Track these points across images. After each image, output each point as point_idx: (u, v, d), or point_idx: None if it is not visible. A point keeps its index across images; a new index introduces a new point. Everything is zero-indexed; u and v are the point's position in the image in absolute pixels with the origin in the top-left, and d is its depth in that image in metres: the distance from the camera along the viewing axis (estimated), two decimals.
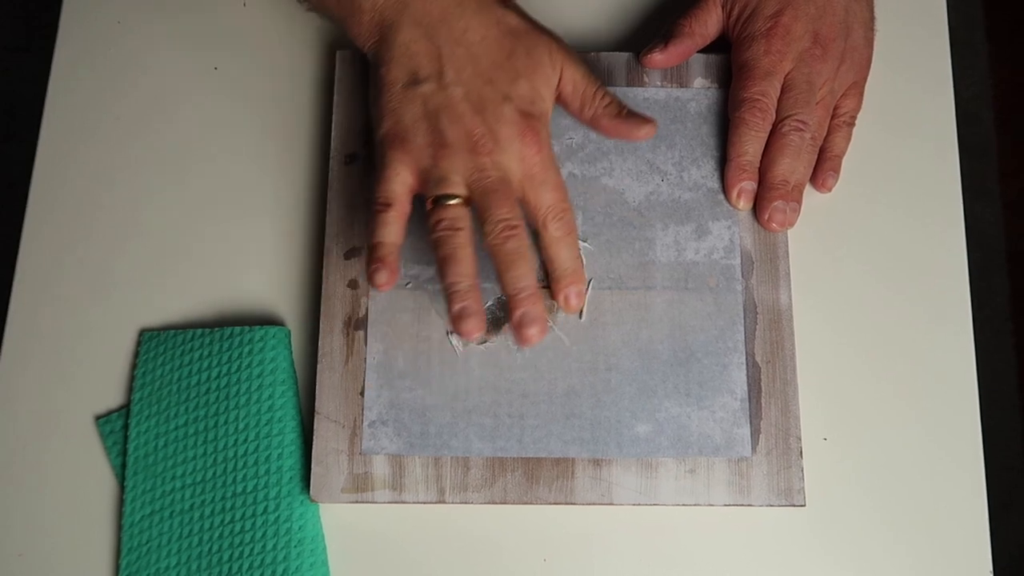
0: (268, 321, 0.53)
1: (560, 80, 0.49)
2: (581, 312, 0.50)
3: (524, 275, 0.45)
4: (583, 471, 0.48)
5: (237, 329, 0.51)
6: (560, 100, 0.49)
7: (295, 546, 0.48)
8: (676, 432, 0.49)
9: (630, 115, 0.49)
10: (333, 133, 0.53)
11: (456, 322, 0.45)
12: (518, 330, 0.45)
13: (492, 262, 0.46)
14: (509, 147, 0.46)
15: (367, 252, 0.46)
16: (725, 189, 0.52)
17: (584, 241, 0.51)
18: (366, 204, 0.51)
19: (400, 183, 0.46)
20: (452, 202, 0.45)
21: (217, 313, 0.53)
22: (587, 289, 0.50)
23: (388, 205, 0.46)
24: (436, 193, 0.45)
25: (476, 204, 0.46)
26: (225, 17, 0.58)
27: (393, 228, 0.46)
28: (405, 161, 0.46)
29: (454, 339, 0.50)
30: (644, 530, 0.50)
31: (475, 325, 0.45)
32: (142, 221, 0.55)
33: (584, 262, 0.49)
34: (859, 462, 0.51)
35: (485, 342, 0.50)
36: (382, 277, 0.45)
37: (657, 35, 0.54)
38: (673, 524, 0.49)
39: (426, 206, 0.46)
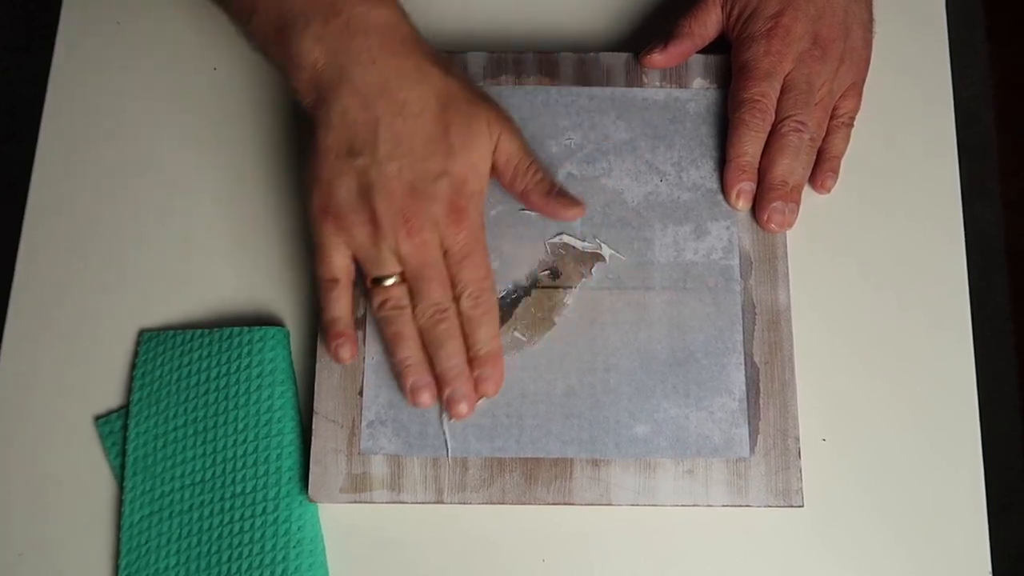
0: (267, 321, 0.53)
1: (496, 151, 0.48)
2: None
3: (452, 354, 0.48)
4: (581, 471, 0.48)
5: (236, 329, 0.51)
6: (494, 171, 0.49)
7: (294, 546, 0.48)
8: (674, 432, 0.49)
9: (560, 194, 0.50)
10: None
11: (412, 395, 0.48)
12: (447, 406, 0.48)
13: (423, 339, 0.48)
14: (436, 226, 0.46)
15: (322, 330, 0.48)
16: (724, 189, 0.52)
17: (596, 239, 0.51)
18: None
19: (340, 258, 0.47)
20: (389, 282, 0.47)
21: (216, 313, 0.53)
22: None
23: (335, 281, 0.48)
24: (375, 274, 0.47)
25: (409, 284, 0.47)
26: (225, 17, 0.58)
27: (343, 302, 0.48)
28: (341, 238, 0.47)
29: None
30: (642, 530, 0.50)
31: (428, 397, 0.48)
32: (142, 221, 0.55)
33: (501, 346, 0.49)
34: (858, 463, 0.51)
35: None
36: (346, 352, 0.48)
37: (657, 35, 0.54)
38: (671, 524, 0.50)
39: (366, 283, 0.48)
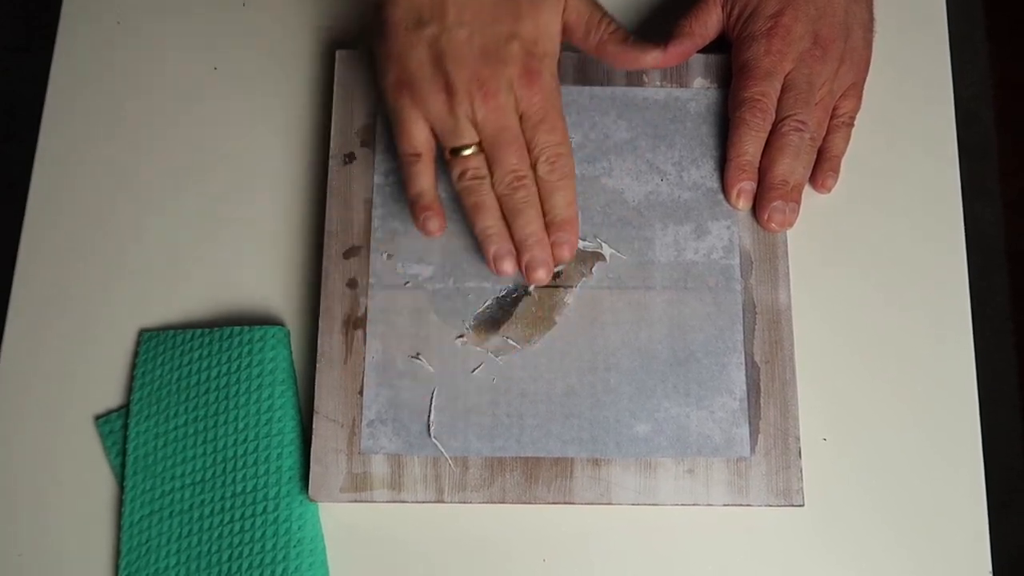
0: (267, 321, 0.53)
1: (565, 10, 0.48)
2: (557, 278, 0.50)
3: (530, 221, 0.48)
4: (582, 471, 0.48)
5: (236, 329, 0.51)
6: (565, 30, 0.49)
7: (294, 546, 0.48)
8: (675, 432, 0.49)
9: (636, 42, 0.49)
10: (332, 133, 0.53)
11: (495, 262, 0.48)
12: (526, 273, 0.49)
13: (502, 207, 0.48)
14: (511, 88, 0.46)
15: (409, 205, 0.49)
16: (725, 189, 0.52)
17: (597, 238, 0.51)
18: (366, 203, 0.52)
19: (420, 131, 0.47)
20: (468, 152, 0.47)
21: (217, 313, 0.53)
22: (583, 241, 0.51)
23: (417, 155, 0.48)
24: (453, 144, 0.47)
25: (487, 151, 0.47)
26: (225, 17, 0.58)
27: (427, 176, 0.48)
28: (418, 110, 0.47)
29: (459, 342, 0.50)
30: (643, 530, 0.50)
31: (510, 265, 0.48)
32: (142, 221, 0.55)
33: (579, 215, 0.50)
34: (858, 462, 0.51)
35: (493, 343, 0.50)
36: (434, 224, 0.49)
37: (657, 35, 0.54)
38: (672, 524, 0.50)
39: (445, 156, 0.48)
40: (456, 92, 0.46)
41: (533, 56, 0.47)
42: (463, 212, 0.49)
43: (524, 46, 0.47)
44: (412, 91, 0.47)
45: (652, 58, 0.49)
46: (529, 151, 0.48)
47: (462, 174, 0.48)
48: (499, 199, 0.48)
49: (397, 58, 0.47)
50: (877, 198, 0.55)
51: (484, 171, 0.48)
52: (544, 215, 0.48)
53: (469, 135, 0.47)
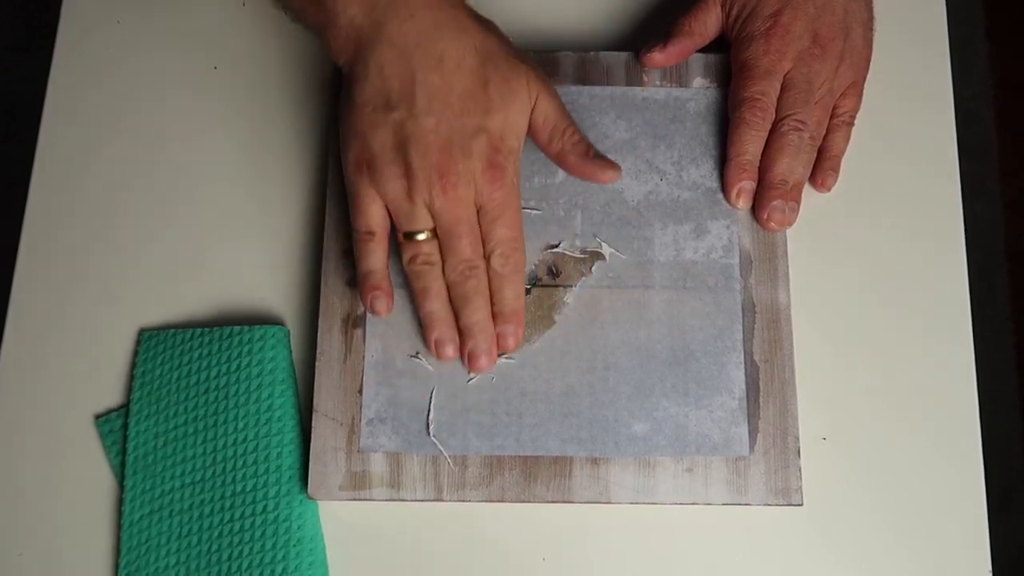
0: (267, 320, 0.53)
1: (533, 111, 0.48)
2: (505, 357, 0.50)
3: (478, 309, 0.48)
4: (581, 470, 0.48)
5: (236, 329, 0.51)
6: (530, 130, 0.49)
7: (294, 545, 0.48)
8: (674, 431, 0.49)
9: (597, 156, 0.50)
10: (332, 132, 0.53)
11: (436, 348, 0.49)
12: (469, 360, 0.49)
13: (450, 294, 0.48)
14: (472, 182, 0.46)
15: (359, 282, 0.49)
16: (724, 188, 0.52)
17: (597, 237, 0.51)
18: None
19: (376, 211, 0.47)
20: (421, 237, 0.47)
21: (216, 313, 0.53)
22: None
23: (371, 234, 0.48)
24: (407, 229, 0.47)
25: (441, 239, 0.47)
26: (225, 17, 0.58)
27: (379, 255, 0.48)
28: (375, 190, 0.47)
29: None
30: (642, 529, 0.50)
31: (452, 350, 0.49)
32: (142, 221, 0.55)
33: (524, 305, 0.50)
34: (857, 462, 0.51)
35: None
36: (382, 304, 0.49)
37: (657, 35, 0.54)
38: (671, 523, 0.50)
39: (399, 237, 0.48)
40: (416, 179, 0.46)
41: (499, 152, 0.47)
42: (410, 294, 0.50)
43: (491, 141, 0.46)
44: (372, 171, 0.46)
45: (609, 176, 0.50)
46: (484, 243, 0.48)
47: (413, 258, 0.48)
48: (449, 285, 0.48)
49: (361, 136, 0.46)
50: (877, 198, 0.55)
51: (436, 257, 0.48)
52: (492, 306, 0.49)
53: (424, 221, 0.47)
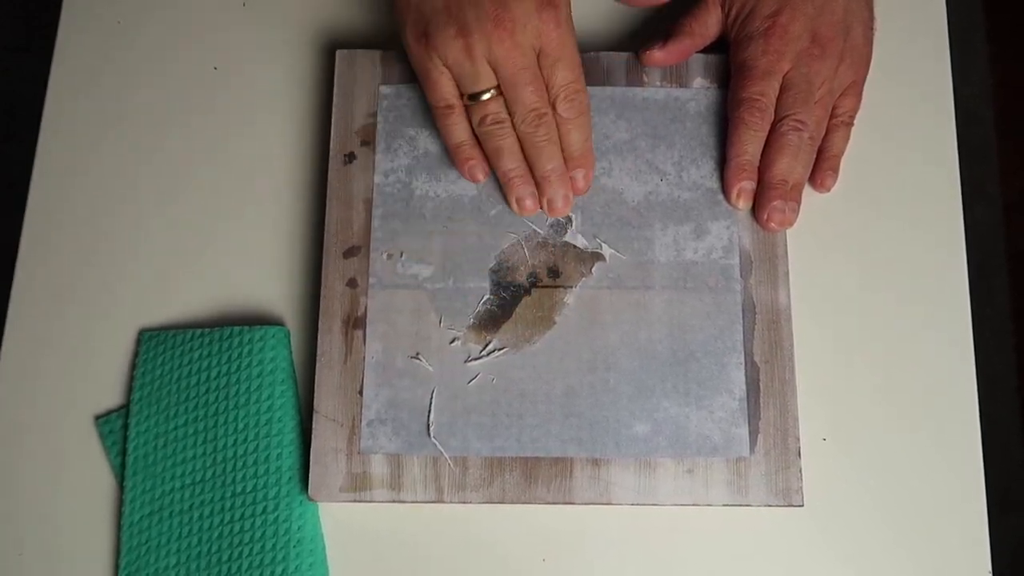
0: (267, 321, 0.53)
1: None
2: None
3: (552, 157, 0.49)
4: (581, 471, 0.48)
5: (236, 329, 0.51)
6: None
7: (294, 546, 0.48)
8: (674, 432, 0.49)
9: None
10: (332, 132, 0.53)
11: (519, 204, 0.50)
12: (549, 208, 0.51)
13: (523, 145, 0.49)
14: (528, 24, 0.46)
15: (451, 155, 0.51)
16: (724, 189, 0.52)
17: (597, 238, 0.51)
18: (366, 202, 0.52)
19: (446, 82, 0.48)
20: (487, 96, 0.48)
21: (217, 313, 0.53)
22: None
23: (450, 107, 0.49)
24: (472, 90, 0.48)
25: (505, 92, 0.48)
26: (225, 17, 0.58)
27: (463, 125, 0.50)
28: (438, 57, 0.47)
29: (458, 344, 0.50)
30: (642, 530, 0.50)
31: (532, 204, 0.50)
32: (142, 221, 0.55)
33: (594, 154, 0.51)
34: (858, 462, 0.51)
35: (488, 344, 0.50)
36: (479, 171, 0.50)
37: (657, 35, 0.54)
38: (671, 524, 0.50)
39: (464, 101, 0.49)
40: (472, 34, 0.46)
41: None
42: (485, 152, 0.50)
43: None
44: (429, 39, 0.47)
45: None
46: (547, 89, 0.48)
47: (483, 119, 0.49)
48: (520, 137, 0.49)
49: (414, 7, 0.47)
50: (877, 198, 0.55)
51: (504, 115, 0.48)
52: (563, 151, 0.50)
53: (487, 79, 0.47)
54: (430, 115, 0.51)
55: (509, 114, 0.48)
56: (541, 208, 0.51)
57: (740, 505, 0.48)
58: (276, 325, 0.52)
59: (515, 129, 0.49)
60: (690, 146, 0.53)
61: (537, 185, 0.50)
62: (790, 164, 0.51)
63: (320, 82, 0.57)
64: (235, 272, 0.54)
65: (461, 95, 0.49)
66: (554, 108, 0.49)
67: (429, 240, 0.51)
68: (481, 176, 0.51)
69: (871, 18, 0.54)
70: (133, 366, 0.52)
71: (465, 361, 0.50)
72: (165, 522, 0.49)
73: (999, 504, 0.56)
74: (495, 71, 0.47)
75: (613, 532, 0.50)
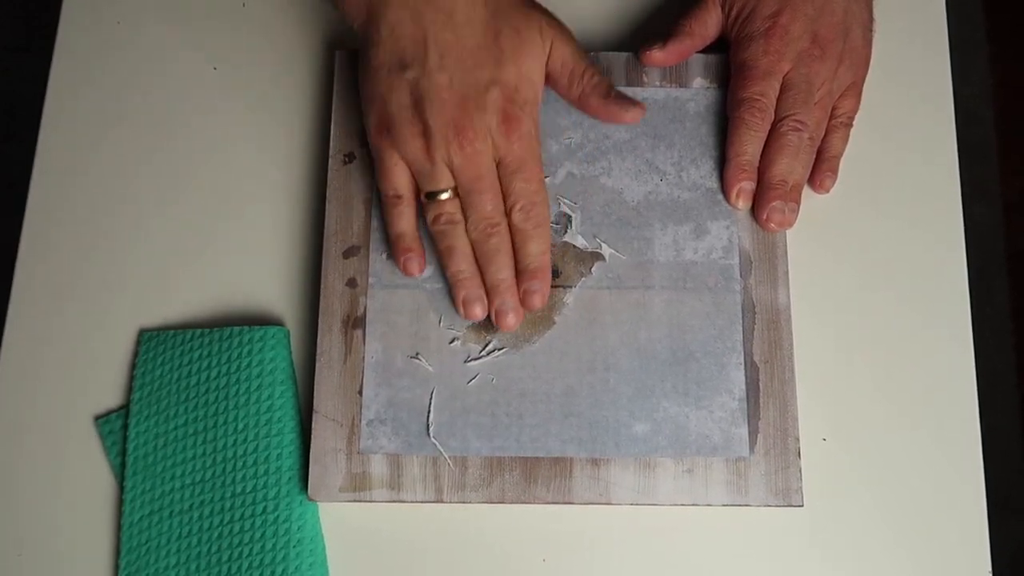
0: (267, 321, 0.53)
1: (549, 58, 0.48)
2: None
3: (501, 268, 0.48)
4: (581, 470, 0.48)
5: (236, 329, 0.51)
6: (548, 78, 0.49)
7: (294, 546, 0.48)
8: (674, 432, 0.49)
9: (619, 97, 0.50)
10: (332, 132, 0.53)
11: (464, 306, 0.49)
12: (496, 318, 0.49)
13: (475, 252, 0.49)
14: (488, 136, 0.47)
15: (391, 245, 0.50)
16: (724, 189, 0.52)
17: (596, 238, 0.51)
18: (366, 202, 0.52)
19: (401, 173, 0.48)
20: (443, 196, 0.48)
21: (216, 313, 0.53)
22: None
23: (399, 197, 0.48)
24: (428, 189, 0.48)
25: (462, 197, 0.48)
26: (225, 17, 0.58)
27: (408, 217, 0.49)
28: (397, 151, 0.47)
29: (457, 344, 0.50)
30: (642, 530, 0.50)
31: (480, 309, 0.49)
32: (142, 221, 0.55)
33: (551, 260, 0.50)
34: (858, 462, 0.51)
35: (488, 344, 0.50)
36: (414, 265, 0.49)
37: (657, 35, 0.54)
38: (671, 524, 0.50)
39: (421, 198, 0.48)
40: (433, 137, 0.46)
41: (513, 103, 0.47)
42: (436, 254, 0.50)
43: (505, 93, 0.47)
44: (392, 134, 0.47)
45: (632, 115, 0.50)
46: (504, 198, 0.48)
47: (436, 218, 0.48)
48: (472, 244, 0.49)
49: (379, 99, 0.47)
50: (877, 198, 0.55)
51: (458, 216, 0.48)
52: (517, 263, 0.49)
53: (445, 180, 0.47)
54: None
55: (465, 215, 0.48)
56: (490, 317, 0.49)
57: (740, 505, 0.48)
58: (276, 325, 0.52)
59: (469, 234, 0.48)
60: (690, 146, 0.53)
61: (487, 292, 0.49)
62: (790, 164, 0.51)
63: (320, 82, 0.57)
64: (235, 272, 0.54)
65: (416, 191, 0.49)
66: (509, 218, 0.48)
67: (429, 240, 0.51)
68: (416, 271, 0.49)
69: (871, 19, 0.54)
70: (133, 366, 0.52)
71: (465, 361, 0.50)
72: (165, 522, 0.49)
73: (999, 504, 0.56)
74: (453, 175, 0.47)
75: (613, 532, 0.50)
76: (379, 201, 0.51)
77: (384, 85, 0.47)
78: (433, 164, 0.47)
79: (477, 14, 0.46)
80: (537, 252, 0.49)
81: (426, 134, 0.46)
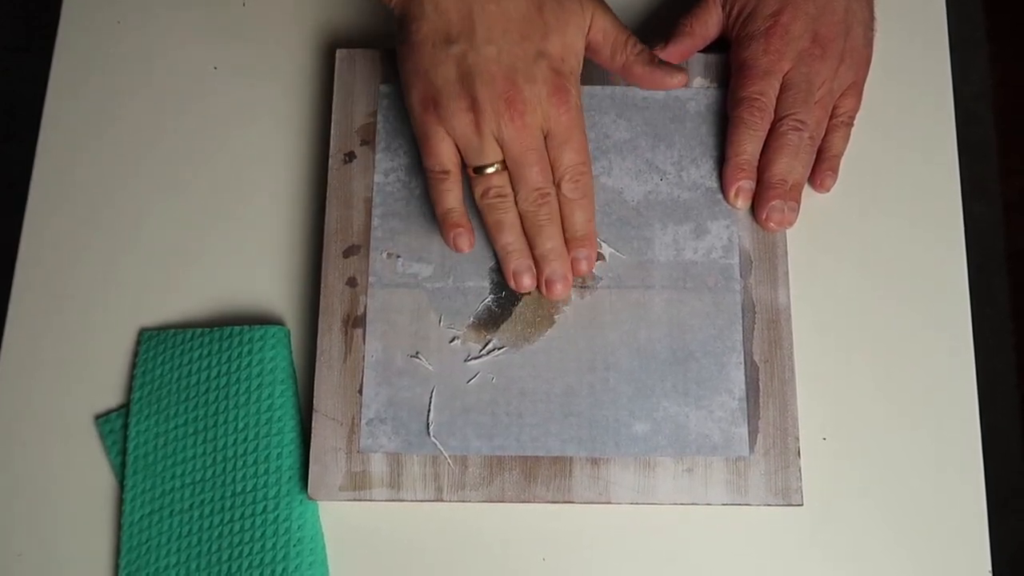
0: (267, 320, 0.53)
1: (590, 29, 0.48)
2: (581, 285, 0.51)
3: (551, 236, 0.49)
4: (581, 470, 0.48)
5: (236, 329, 0.51)
6: (590, 49, 0.49)
7: (294, 545, 0.48)
8: (674, 431, 0.49)
9: (662, 63, 0.49)
10: (332, 132, 0.53)
11: (515, 277, 0.49)
12: (546, 287, 0.49)
13: (524, 223, 0.49)
14: (539, 107, 0.46)
15: (439, 221, 0.49)
16: (723, 188, 0.52)
17: (601, 240, 0.52)
18: (366, 202, 0.52)
19: (447, 149, 0.48)
20: (491, 170, 0.47)
21: (216, 313, 0.53)
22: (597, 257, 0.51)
23: (446, 173, 0.48)
24: (477, 163, 0.47)
25: (511, 169, 0.47)
26: (225, 16, 0.58)
27: (455, 193, 0.49)
28: (444, 127, 0.47)
29: (457, 343, 0.50)
30: (642, 529, 0.50)
31: (529, 279, 0.49)
32: (142, 221, 0.55)
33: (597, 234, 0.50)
34: (858, 462, 0.51)
35: (488, 343, 0.50)
36: (464, 241, 0.49)
37: (657, 35, 0.54)
38: (671, 523, 0.50)
39: (468, 172, 0.48)
40: (483, 111, 0.46)
41: (560, 74, 0.47)
42: (484, 227, 0.50)
43: (552, 64, 0.47)
44: (438, 109, 0.47)
45: (678, 80, 0.49)
46: (553, 169, 0.48)
47: (485, 192, 0.48)
48: (521, 215, 0.49)
49: (423, 75, 0.47)
50: (877, 198, 0.55)
51: (507, 189, 0.48)
52: (564, 231, 0.49)
53: (493, 154, 0.47)
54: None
55: (512, 190, 0.48)
56: (539, 287, 0.50)
57: (740, 504, 0.48)
58: (276, 324, 0.52)
59: (517, 205, 0.48)
60: (690, 146, 0.53)
61: (536, 263, 0.49)
62: (789, 164, 0.51)
63: (320, 82, 0.57)
64: (235, 272, 0.54)
65: (463, 165, 0.48)
66: (558, 188, 0.48)
67: (429, 239, 0.51)
68: (466, 247, 0.49)
69: (871, 19, 0.54)
70: (133, 366, 0.52)
71: (465, 360, 0.50)
72: (165, 521, 0.49)
73: (999, 504, 0.56)
74: (502, 148, 0.47)
75: (613, 531, 0.50)
76: (378, 201, 0.51)
77: (428, 60, 0.46)
78: (482, 138, 0.46)
79: None
80: (584, 220, 0.49)
81: (475, 108, 0.46)
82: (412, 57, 0.47)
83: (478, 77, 0.46)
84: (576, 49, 0.48)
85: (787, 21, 0.51)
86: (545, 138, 0.48)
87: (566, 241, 0.49)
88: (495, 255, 0.50)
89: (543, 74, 0.46)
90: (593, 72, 0.54)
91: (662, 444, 0.48)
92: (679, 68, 0.50)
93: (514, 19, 0.46)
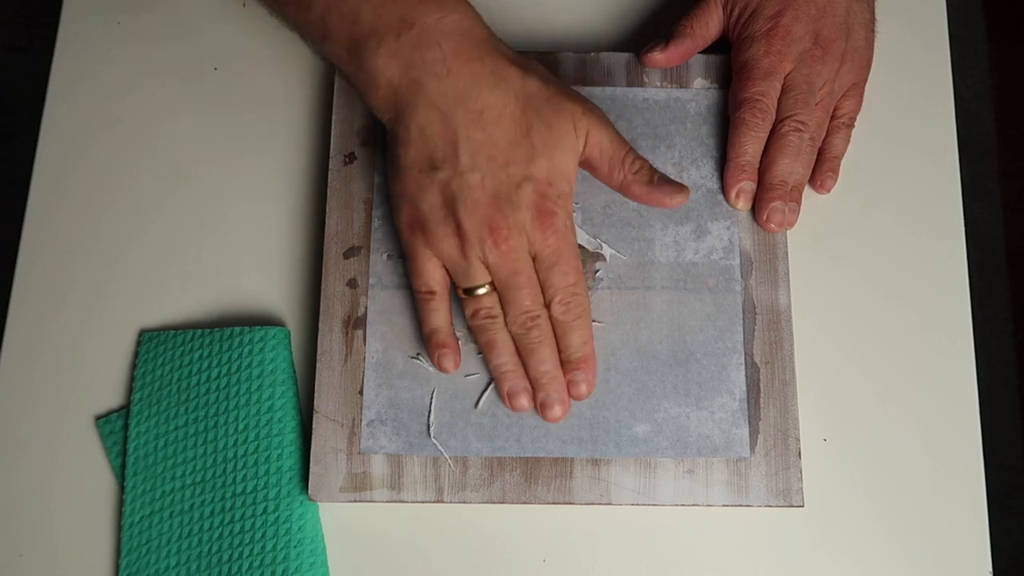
0: (267, 321, 0.53)
1: (586, 146, 0.47)
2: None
3: (544, 360, 0.48)
4: (581, 471, 0.48)
5: (237, 329, 0.51)
6: (587, 165, 0.48)
7: (295, 546, 0.48)
8: (675, 432, 0.49)
9: (662, 181, 0.48)
10: (332, 132, 0.53)
11: (510, 399, 0.48)
12: (541, 410, 0.48)
13: (516, 345, 0.48)
14: (523, 232, 0.46)
15: (425, 340, 0.49)
16: (724, 189, 0.52)
17: (597, 238, 0.51)
18: (366, 203, 0.52)
19: (434, 270, 0.47)
20: (480, 292, 0.47)
21: (217, 313, 0.53)
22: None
23: (432, 293, 0.48)
24: (465, 286, 0.47)
25: (499, 292, 0.47)
26: (225, 17, 0.58)
27: (442, 313, 0.48)
28: (431, 250, 0.47)
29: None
30: (643, 530, 0.50)
31: (526, 400, 0.48)
32: (142, 221, 0.55)
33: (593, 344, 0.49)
34: (858, 463, 0.51)
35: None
36: (449, 362, 0.48)
37: (658, 36, 0.54)
38: (671, 524, 0.50)
39: (459, 294, 0.48)
40: (467, 237, 0.46)
41: (547, 198, 0.46)
42: (478, 343, 0.49)
43: (537, 188, 0.46)
44: (425, 232, 0.47)
45: (678, 200, 0.48)
46: (543, 291, 0.47)
47: (475, 313, 0.48)
48: (513, 337, 0.48)
49: (410, 199, 0.47)
50: (877, 198, 0.55)
51: (497, 310, 0.48)
52: (560, 353, 0.48)
53: (481, 276, 0.47)
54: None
55: (504, 311, 0.48)
56: (535, 408, 0.48)
57: (740, 505, 0.48)
58: (276, 325, 0.52)
59: (509, 327, 0.48)
60: (690, 147, 0.53)
61: (531, 384, 0.48)
62: (790, 165, 0.51)
63: (320, 82, 0.57)
64: (235, 272, 0.54)
65: (450, 285, 0.48)
66: (549, 309, 0.48)
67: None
68: (451, 367, 0.48)
69: (872, 20, 0.54)
70: (133, 366, 0.52)
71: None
72: (165, 522, 0.49)
73: (999, 504, 0.56)
74: (489, 271, 0.47)
75: (613, 532, 0.50)
76: (379, 203, 0.51)
77: (415, 185, 0.46)
78: (469, 262, 0.46)
79: (508, 111, 0.46)
80: (579, 343, 0.48)
81: (460, 234, 0.46)
82: (399, 180, 0.47)
83: (462, 204, 0.45)
84: (566, 171, 0.47)
85: (788, 22, 0.51)
86: (534, 260, 0.47)
87: (562, 363, 0.48)
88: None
89: (527, 199, 0.46)
90: (594, 72, 0.54)
91: (663, 445, 0.48)
92: (680, 187, 0.48)
93: (499, 144, 0.46)
